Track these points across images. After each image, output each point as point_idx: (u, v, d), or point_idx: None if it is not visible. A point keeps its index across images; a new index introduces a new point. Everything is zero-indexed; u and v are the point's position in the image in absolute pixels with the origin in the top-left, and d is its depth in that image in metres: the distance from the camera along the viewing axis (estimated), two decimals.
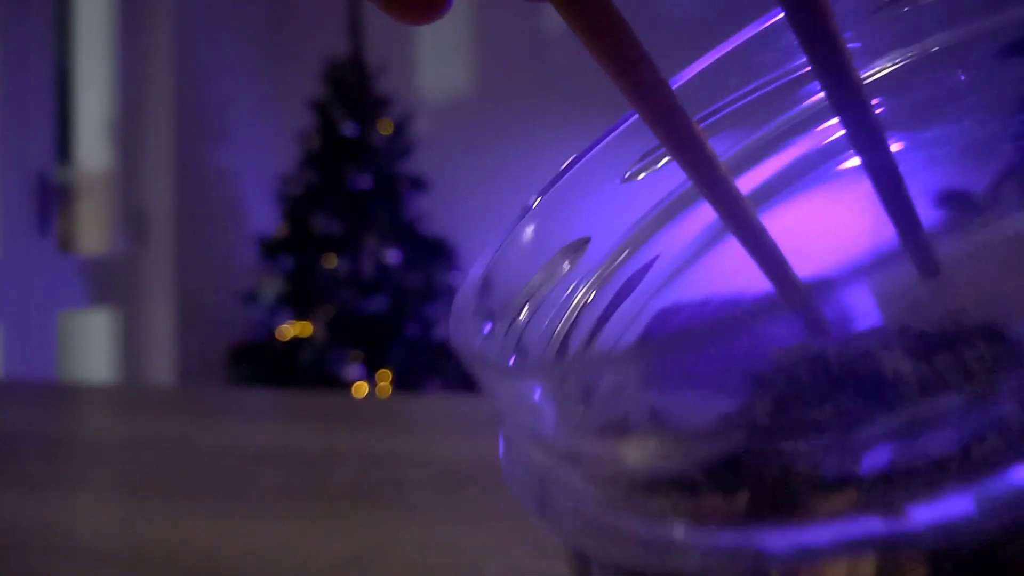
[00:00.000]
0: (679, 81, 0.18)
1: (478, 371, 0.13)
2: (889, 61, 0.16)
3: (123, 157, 2.63)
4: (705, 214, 0.17)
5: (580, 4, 0.13)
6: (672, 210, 0.18)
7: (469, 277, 0.16)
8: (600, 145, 0.18)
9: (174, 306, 2.72)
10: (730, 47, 0.18)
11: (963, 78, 0.15)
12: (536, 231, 0.17)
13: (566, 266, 0.17)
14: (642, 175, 0.19)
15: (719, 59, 0.18)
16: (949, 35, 0.16)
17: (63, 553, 0.33)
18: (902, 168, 0.15)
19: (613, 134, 0.18)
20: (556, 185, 0.17)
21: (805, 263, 0.16)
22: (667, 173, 0.18)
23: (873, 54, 0.17)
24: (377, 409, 0.68)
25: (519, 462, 0.13)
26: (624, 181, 0.18)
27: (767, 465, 0.11)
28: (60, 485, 0.43)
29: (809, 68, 0.18)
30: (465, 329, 0.14)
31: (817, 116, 0.18)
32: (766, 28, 0.18)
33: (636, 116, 0.18)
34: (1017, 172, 0.15)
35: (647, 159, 0.19)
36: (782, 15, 0.17)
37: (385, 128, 2.60)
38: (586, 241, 0.17)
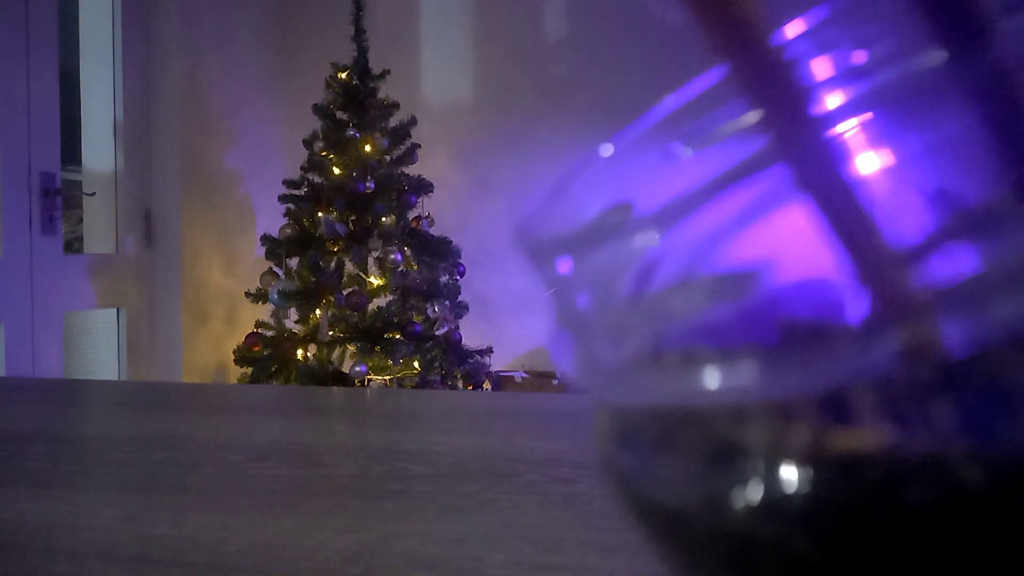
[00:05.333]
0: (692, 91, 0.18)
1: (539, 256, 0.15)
2: (903, 61, 0.16)
3: (130, 159, 2.63)
4: (740, 196, 0.17)
5: None
6: (710, 191, 0.18)
7: (526, 214, 0.17)
8: (659, 117, 0.18)
9: (181, 306, 2.72)
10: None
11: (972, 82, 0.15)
12: (586, 184, 0.17)
13: (613, 222, 0.17)
14: (689, 152, 0.19)
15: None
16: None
17: (66, 551, 0.33)
18: (904, 168, 0.15)
19: (670, 110, 0.18)
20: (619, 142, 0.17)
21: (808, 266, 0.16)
22: (711, 153, 0.18)
23: (894, 55, 0.17)
24: (381, 405, 0.69)
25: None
26: (668, 157, 0.18)
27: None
28: (63, 483, 0.43)
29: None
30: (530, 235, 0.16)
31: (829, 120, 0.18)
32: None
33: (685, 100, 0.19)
34: (1010, 175, 0.15)
35: (694, 138, 0.19)
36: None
37: (388, 132, 2.61)
38: (628, 207, 0.16)
